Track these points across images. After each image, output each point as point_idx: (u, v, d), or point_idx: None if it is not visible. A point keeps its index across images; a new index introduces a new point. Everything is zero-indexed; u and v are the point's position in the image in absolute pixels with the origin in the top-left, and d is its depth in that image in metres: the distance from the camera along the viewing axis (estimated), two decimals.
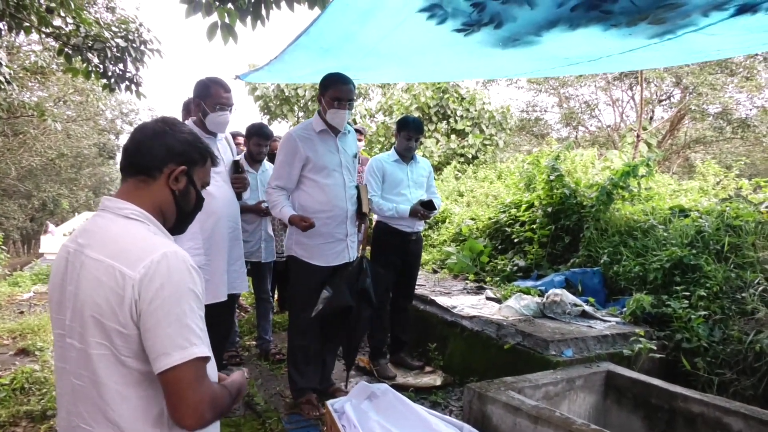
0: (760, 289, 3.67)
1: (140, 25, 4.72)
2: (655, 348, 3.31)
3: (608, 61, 3.63)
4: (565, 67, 3.82)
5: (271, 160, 4.72)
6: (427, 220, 3.93)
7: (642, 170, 4.82)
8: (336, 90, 3.00)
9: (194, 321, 1.24)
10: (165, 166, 1.39)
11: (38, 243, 26.60)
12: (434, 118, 14.79)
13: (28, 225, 28.96)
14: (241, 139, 4.76)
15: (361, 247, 3.38)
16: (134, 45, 4.56)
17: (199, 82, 2.88)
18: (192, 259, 1.32)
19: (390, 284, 3.56)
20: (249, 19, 3.39)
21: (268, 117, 15.23)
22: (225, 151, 3.03)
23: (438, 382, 3.63)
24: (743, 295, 3.70)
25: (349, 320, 3.14)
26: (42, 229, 26.54)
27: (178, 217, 1.46)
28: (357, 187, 3.23)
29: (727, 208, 4.52)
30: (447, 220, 7.12)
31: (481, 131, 14.79)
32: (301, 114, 14.97)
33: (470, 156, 14.43)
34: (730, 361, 3.37)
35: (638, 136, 9.18)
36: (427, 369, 3.92)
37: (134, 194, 1.37)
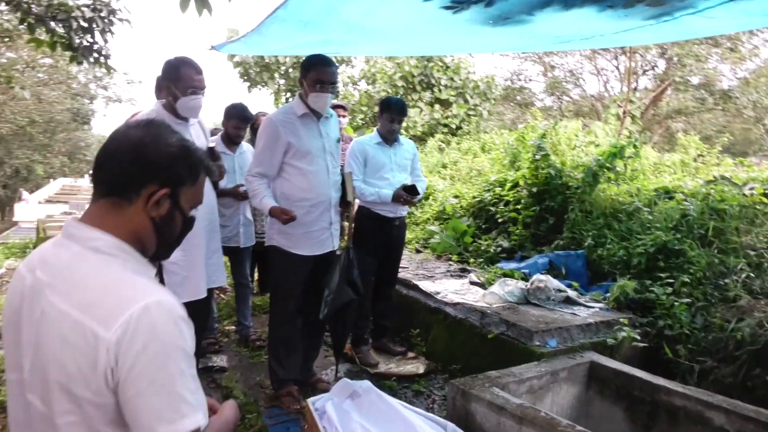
0: (743, 275, 3.67)
1: None
2: (638, 337, 3.30)
3: (600, 40, 3.51)
4: (555, 44, 3.68)
5: (257, 132, 4.53)
6: (411, 205, 3.82)
7: (628, 151, 4.75)
8: (318, 73, 2.84)
9: (185, 386, 1.02)
10: (143, 188, 1.12)
11: (12, 211, 25.99)
12: (418, 87, 14.54)
13: (1, 192, 28.22)
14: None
15: (347, 236, 3.27)
16: (101, 15, 4.28)
17: (168, 62, 2.69)
18: (180, 308, 1.08)
19: (373, 270, 3.47)
20: None
21: (248, 84, 14.83)
22: (198, 137, 2.86)
23: (421, 370, 3.60)
24: (726, 281, 3.70)
25: (338, 311, 3.06)
26: (16, 196, 25.86)
27: (159, 245, 1.20)
28: (342, 174, 3.10)
29: (712, 191, 4.50)
30: (431, 197, 7.03)
31: (466, 101, 14.60)
32: (281, 81, 14.59)
33: (454, 126, 14.28)
34: (711, 348, 3.37)
35: (624, 111, 9.08)
36: (410, 355, 3.88)
37: (106, 219, 1.11)
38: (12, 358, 1.11)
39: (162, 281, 2.69)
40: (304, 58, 2.95)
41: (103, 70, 4.59)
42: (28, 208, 19.94)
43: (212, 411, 1.30)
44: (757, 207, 4.28)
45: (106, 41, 4.40)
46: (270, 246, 3.09)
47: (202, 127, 2.97)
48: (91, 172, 1.20)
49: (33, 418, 1.06)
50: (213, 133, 3.91)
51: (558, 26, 2.95)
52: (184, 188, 1.18)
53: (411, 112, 14.10)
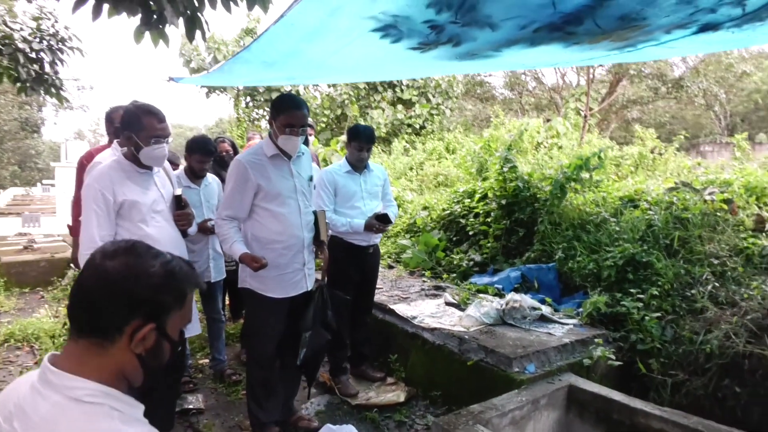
0: (709, 287, 3.78)
1: (56, 21, 4.20)
2: (612, 357, 3.37)
3: (564, 63, 3.54)
4: (520, 68, 3.69)
5: (220, 162, 4.43)
6: (383, 233, 3.80)
7: (593, 162, 4.84)
8: (288, 116, 2.77)
9: None
10: (126, 325, 1.05)
11: None
12: (380, 88, 14.50)
13: None
14: (226, 145, 4.42)
15: (322, 275, 3.22)
16: (51, 45, 4.07)
17: (128, 111, 2.57)
18: None
19: (347, 304, 3.43)
20: (182, 21, 3.05)
21: (206, 90, 14.49)
22: (164, 184, 2.76)
23: (401, 398, 3.59)
24: (693, 291, 3.81)
25: (311, 349, 3.02)
26: None
27: (147, 375, 1.12)
28: (314, 213, 3.04)
29: (675, 199, 4.63)
30: (400, 207, 7.02)
31: (428, 100, 14.65)
32: (239, 88, 14.30)
33: (418, 126, 14.31)
34: (682, 361, 3.47)
35: (585, 116, 9.26)
36: (389, 380, 3.87)
37: (87, 363, 1.04)
38: None
39: None
40: (274, 99, 2.87)
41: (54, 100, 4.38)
42: None
43: None
44: (718, 214, 4.43)
45: (56, 72, 4.21)
46: (243, 288, 3.02)
47: (167, 173, 2.86)
48: (68, 309, 1.08)
49: None
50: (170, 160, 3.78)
51: (524, 59, 2.96)
52: (171, 315, 1.10)
53: (374, 113, 14.07)
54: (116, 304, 1.04)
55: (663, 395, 3.40)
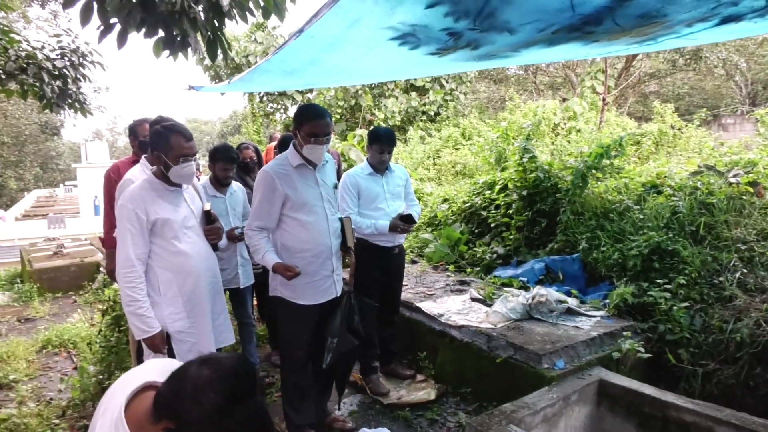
0: (737, 273, 3.76)
1: (76, 37, 4.27)
2: (642, 349, 3.38)
3: (583, 56, 3.51)
4: (538, 62, 3.67)
5: (244, 168, 4.48)
6: (408, 233, 3.83)
7: (614, 150, 4.79)
8: (312, 125, 2.81)
9: None
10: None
11: None
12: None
13: None
14: (250, 152, 4.46)
15: (349, 280, 3.27)
16: (72, 60, 4.14)
17: (155, 132, 2.63)
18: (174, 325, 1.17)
19: (374, 309, 3.48)
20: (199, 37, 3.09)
21: None
22: (193, 200, 2.82)
23: (432, 396, 3.64)
24: (721, 279, 3.79)
25: (341, 356, 3.07)
26: None
27: None
28: (341, 220, 3.09)
29: (699, 183, 4.57)
30: (420, 200, 7.04)
31: (441, 86, 14.54)
32: None
33: (432, 113, 14.23)
34: (712, 351, 3.47)
35: (604, 99, 9.12)
36: (419, 378, 3.93)
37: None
38: None
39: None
40: (297, 109, 2.91)
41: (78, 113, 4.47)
42: (6, 227, 19.56)
43: None
44: (744, 197, 4.37)
45: (79, 87, 4.28)
46: (274, 296, 3.08)
47: (196, 188, 2.92)
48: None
49: None
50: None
51: (543, 56, 2.95)
52: None
53: (388, 102, 14.02)
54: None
55: (694, 385, 3.41)
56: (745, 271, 3.80)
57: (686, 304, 3.65)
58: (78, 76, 4.18)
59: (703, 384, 3.40)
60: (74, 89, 4.21)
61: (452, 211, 6.12)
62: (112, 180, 3.61)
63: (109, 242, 3.62)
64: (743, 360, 3.35)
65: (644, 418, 2.94)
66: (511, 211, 5.30)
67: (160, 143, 2.59)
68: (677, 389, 3.37)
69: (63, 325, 5.75)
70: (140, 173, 3.10)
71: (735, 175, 4.74)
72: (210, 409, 1.18)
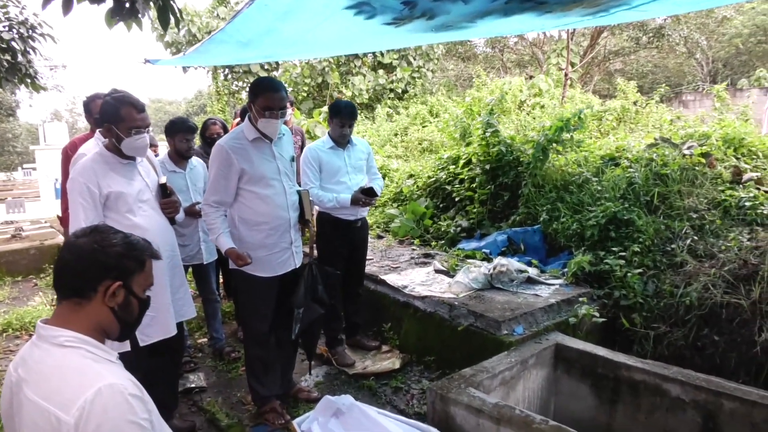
0: (688, 240, 3.90)
1: (24, 8, 4.09)
2: (597, 314, 3.49)
3: (540, 28, 3.54)
4: (494, 35, 3.69)
5: (211, 144, 4.39)
6: (370, 206, 3.85)
7: (574, 122, 4.88)
8: (266, 99, 2.78)
9: None
10: (99, 285, 1.33)
11: None
12: (360, 53, 14.28)
13: None
14: (217, 127, 4.36)
15: (309, 251, 3.29)
16: (21, 33, 3.97)
17: (106, 103, 2.56)
18: (131, 385, 1.25)
19: (338, 279, 3.51)
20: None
21: (182, 66, 14.18)
22: (148, 174, 2.77)
23: (397, 365, 3.71)
24: (672, 246, 3.93)
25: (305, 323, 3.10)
26: None
27: (122, 328, 1.41)
28: (299, 192, 3.08)
29: (655, 155, 4.70)
30: (386, 177, 7.06)
31: (409, 63, 14.48)
32: None
33: (400, 91, 14.18)
34: (663, 315, 3.62)
35: (566, 75, 9.22)
36: (384, 348, 4.00)
37: (69, 318, 1.32)
38: None
39: None
40: (251, 83, 2.87)
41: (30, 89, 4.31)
42: None
43: None
44: (696, 168, 4.52)
45: (29, 61, 4.12)
46: (233, 270, 3.08)
47: (151, 162, 2.87)
48: (53, 280, 1.37)
49: None
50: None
51: (499, 27, 2.97)
52: (135, 276, 1.40)
53: (355, 80, 13.91)
54: (88, 269, 1.32)
55: (646, 348, 3.56)
56: (695, 238, 3.95)
57: (640, 270, 3.78)
58: (27, 49, 4.03)
59: (654, 346, 3.55)
60: (24, 63, 4.05)
61: (417, 186, 6.16)
62: (69, 157, 3.52)
63: (66, 220, 3.54)
64: (692, 322, 3.50)
65: (597, 379, 3.06)
66: (474, 185, 5.37)
67: (110, 115, 2.53)
68: (630, 352, 3.50)
69: (24, 308, 5.63)
70: (94, 148, 3.02)
71: (689, 147, 4.90)
72: (122, 244, 1.38)
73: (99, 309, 1.34)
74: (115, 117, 2.53)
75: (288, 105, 4.65)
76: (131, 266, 1.38)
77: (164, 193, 2.80)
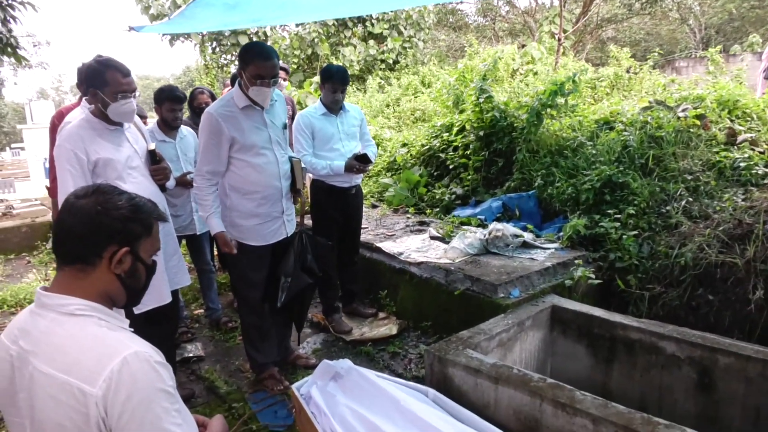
0: (683, 202, 3.90)
1: None
2: (592, 276, 3.51)
3: None
4: None
5: (200, 114, 4.31)
6: (364, 173, 3.81)
7: (568, 86, 4.82)
8: (257, 67, 2.69)
9: (171, 421, 1.16)
10: (104, 251, 1.24)
11: None
12: (350, 23, 14.04)
13: None
14: (205, 97, 4.28)
15: (300, 220, 3.26)
16: (1, 2, 3.83)
17: (89, 68, 2.49)
18: (155, 353, 1.20)
19: (332, 247, 3.48)
20: None
21: (169, 38, 13.90)
22: (136, 140, 2.71)
23: (394, 331, 3.73)
24: (667, 208, 3.93)
25: (296, 295, 3.09)
26: None
27: (128, 295, 1.33)
28: (291, 161, 3.03)
29: (649, 118, 4.67)
30: (379, 146, 6.99)
31: (400, 33, 14.26)
32: (204, 33, 13.74)
33: (391, 61, 13.99)
34: (658, 276, 3.63)
35: (559, 40, 9.10)
36: (381, 316, 4.01)
37: (74, 285, 1.23)
38: (13, 419, 1.23)
39: None
40: (242, 48, 2.79)
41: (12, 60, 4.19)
42: None
43: (202, 427, 1.44)
44: (691, 130, 4.49)
45: (10, 30, 3.99)
46: None
47: (139, 128, 2.81)
48: (53, 245, 1.30)
49: None
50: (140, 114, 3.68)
51: None
52: (141, 241, 1.30)
53: (345, 51, 13.69)
54: (93, 235, 1.23)
55: (641, 308, 3.58)
56: (690, 199, 3.95)
57: (635, 232, 3.78)
58: (7, 17, 3.90)
59: (649, 307, 3.57)
60: (4, 32, 3.92)
61: (411, 155, 6.11)
62: (56, 126, 3.44)
63: (54, 191, 3.48)
64: (686, 282, 3.52)
65: (593, 339, 3.08)
66: (468, 152, 5.33)
67: (95, 79, 2.47)
68: (626, 313, 3.52)
69: (18, 285, 5.60)
70: (80, 115, 2.95)
71: (683, 110, 4.86)
72: (127, 207, 1.28)
73: (105, 276, 1.25)
74: (100, 81, 2.46)
75: (283, 73, 4.57)
76: (138, 230, 1.29)
77: (153, 159, 2.74)
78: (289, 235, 3.09)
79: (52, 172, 3.55)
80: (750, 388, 2.54)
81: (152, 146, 2.76)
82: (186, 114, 4.19)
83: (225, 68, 14.49)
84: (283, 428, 2.83)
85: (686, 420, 2.18)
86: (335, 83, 3.54)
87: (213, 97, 4.50)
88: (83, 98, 3.17)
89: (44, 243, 7.19)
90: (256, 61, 2.70)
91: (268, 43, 13.91)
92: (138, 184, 2.62)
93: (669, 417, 2.01)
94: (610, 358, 3.04)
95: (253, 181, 2.87)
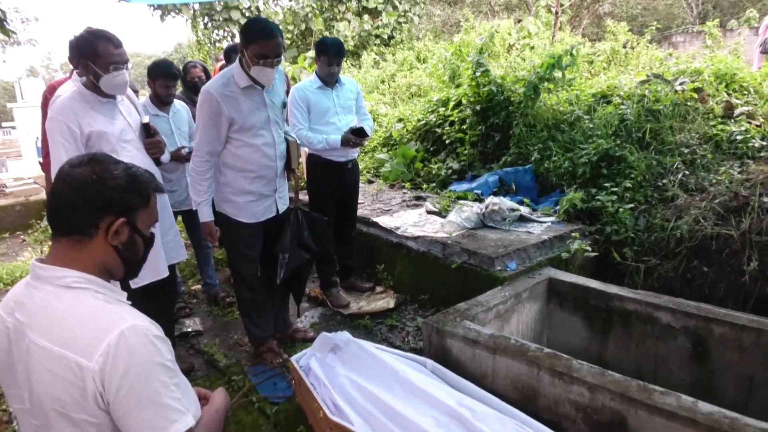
0: (680, 175, 3.90)
1: None
2: (589, 248, 3.52)
3: None
4: None
5: (193, 89, 4.26)
6: (361, 147, 3.78)
7: (566, 60, 4.78)
8: (261, 47, 2.60)
9: (170, 396, 1.15)
10: (101, 221, 1.21)
11: None
12: None
13: None
14: (198, 71, 4.22)
15: (295, 198, 3.24)
16: None
17: (81, 39, 2.44)
18: (153, 326, 1.18)
19: (328, 222, 3.46)
20: None
21: (160, 13, 13.66)
22: (130, 113, 2.67)
23: (391, 305, 3.74)
24: (664, 181, 3.94)
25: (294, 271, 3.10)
26: None
27: (126, 268, 1.30)
28: (287, 141, 3.00)
29: (647, 91, 4.65)
30: (375, 122, 6.94)
31: (395, 8, 14.06)
32: (196, 8, 13.49)
33: (386, 37, 13.81)
34: (654, 248, 3.65)
35: (557, 13, 8.98)
36: (378, 290, 4.02)
37: (70, 257, 1.20)
38: (12, 391, 1.22)
39: None
40: (244, 25, 2.72)
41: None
42: None
43: (204, 399, 1.43)
44: (688, 103, 4.48)
45: None
46: (217, 213, 3.04)
47: (132, 101, 2.77)
48: (47, 216, 1.25)
49: None
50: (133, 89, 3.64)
51: None
52: (139, 212, 1.28)
53: (339, 26, 13.50)
54: (89, 206, 1.20)
55: (636, 280, 3.60)
56: (687, 172, 3.95)
57: (631, 206, 3.79)
58: None
59: (645, 279, 3.59)
60: None
61: (407, 130, 6.08)
62: (49, 100, 3.39)
63: (48, 166, 3.45)
64: (682, 254, 3.54)
65: (590, 311, 3.11)
66: (465, 127, 5.29)
67: (87, 50, 2.42)
68: (621, 285, 3.55)
69: (13, 263, 5.58)
70: (72, 88, 2.90)
71: (681, 83, 4.84)
72: (124, 176, 1.25)
73: (102, 247, 1.22)
74: (91, 53, 2.41)
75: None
76: (135, 201, 1.25)
77: (148, 133, 2.71)
78: (280, 212, 3.08)
79: (44, 148, 3.51)
80: (744, 357, 2.57)
81: (146, 119, 2.72)
82: (179, 89, 4.14)
83: (217, 44, 14.28)
84: (283, 399, 2.86)
85: (681, 389, 2.20)
86: (331, 56, 3.49)
87: (206, 71, 4.44)
88: (74, 71, 3.12)
89: (38, 221, 7.15)
90: (260, 40, 2.61)
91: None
92: (132, 157, 2.59)
93: (664, 386, 2.04)
94: (606, 329, 3.07)
95: (248, 160, 2.83)
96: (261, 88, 2.80)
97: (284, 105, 2.99)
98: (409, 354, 2.68)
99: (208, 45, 14.05)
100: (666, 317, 2.82)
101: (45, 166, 3.57)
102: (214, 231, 2.93)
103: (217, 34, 14.20)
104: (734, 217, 3.49)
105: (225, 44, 14.53)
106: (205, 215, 2.88)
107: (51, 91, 3.46)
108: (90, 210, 1.20)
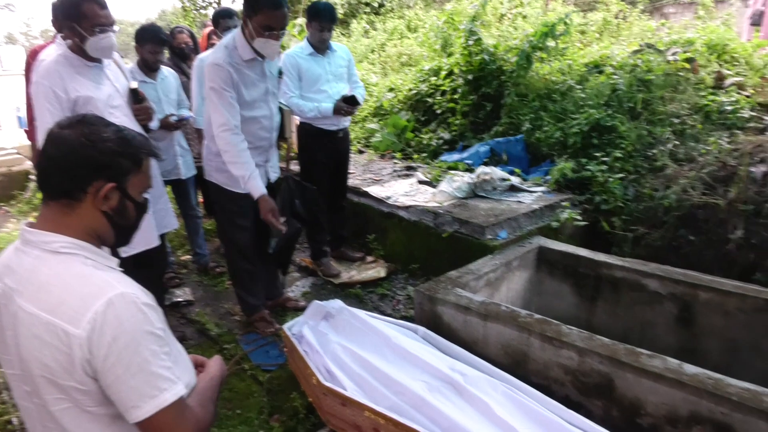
0: (669, 145, 3.92)
1: None
2: (579, 217, 3.55)
3: None
4: None
5: (180, 55, 4.18)
6: (352, 115, 3.74)
7: (559, 28, 4.73)
8: (267, 17, 2.52)
9: (159, 364, 1.12)
10: (89, 186, 1.16)
11: None
12: None
13: None
14: (185, 36, 4.13)
15: (287, 167, 3.22)
16: None
17: (65, 1, 2.36)
18: (143, 294, 1.15)
19: (319, 193, 3.44)
20: None
21: None
22: (117, 78, 2.61)
23: (382, 274, 3.77)
24: (654, 151, 3.95)
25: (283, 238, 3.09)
26: None
27: (117, 234, 1.26)
28: (281, 110, 2.96)
29: (639, 61, 4.63)
30: (366, 91, 6.85)
31: None
32: None
33: (376, 5, 13.55)
34: (642, 217, 3.70)
35: None
36: (369, 259, 4.04)
37: (59, 221, 1.17)
38: (4, 356, 1.21)
39: None
40: None
41: None
42: None
43: (201, 366, 1.43)
44: (680, 74, 4.47)
45: None
46: (209, 182, 3.01)
47: (120, 66, 2.70)
48: (37, 178, 1.22)
49: (32, 407, 1.19)
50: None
51: None
52: (130, 177, 1.23)
53: None
54: (77, 167, 1.15)
55: (625, 249, 3.65)
56: (677, 142, 3.97)
57: (621, 175, 3.82)
58: None
59: (633, 247, 3.64)
60: None
61: (398, 99, 6.01)
62: (32, 65, 3.30)
63: (33, 133, 3.38)
64: (669, 223, 3.59)
65: (579, 278, 3.15)
66: (456, 97, 5.25)
67: (71, 12, 2.35)
68: (610, 253, 3.60)
69: None
70: (55, 52, 2.83)
71: (673, 53, 4.82)
72: (115, 139, 1.20)
73: (90, 213, 1.18)
74: (76, 15, 2.34)
75: None
76: (126, 165, 1.20)
77: (136, 98, 2.66)
78: (271, 182, 3.05)
79: (29, 114, 3.43)
80: (728, 321, 2.64)
81: (134, 85, 2.67)
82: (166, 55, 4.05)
83: (203, 11, 13.93)
84: (276, 367, 2.88)
85: (667, 352, 2.25)
86: (322, 21, 3.42)
87: (193, 37, 4.35)
88: (58, 35, 3.03)
89: (21, 192, 7.04)
90: (266, 10, 2.53)
91: None
92: (120, 123, 2.53)
93: (650, 350, 2.08)
94: (594, 296, 3.12)
95: (246, 132, 2.78)
96: (262, 59, 2.75)
97: (280, 74, 2.94)
98: (401, 321, 2.70)
99: (194, 12, 13.71)
100: (653, 284, 2.87)
101: (30, 133, 3.50)
102: (275, 207, 2.79)
103: (204, 1, 13.85)
104: (722, 187, 3.53)
105: (211, 11, 14.19)
106: (258, 189, 2.74)
107: (33, 56, 3.36)
108: (78, 173, 1.16)
